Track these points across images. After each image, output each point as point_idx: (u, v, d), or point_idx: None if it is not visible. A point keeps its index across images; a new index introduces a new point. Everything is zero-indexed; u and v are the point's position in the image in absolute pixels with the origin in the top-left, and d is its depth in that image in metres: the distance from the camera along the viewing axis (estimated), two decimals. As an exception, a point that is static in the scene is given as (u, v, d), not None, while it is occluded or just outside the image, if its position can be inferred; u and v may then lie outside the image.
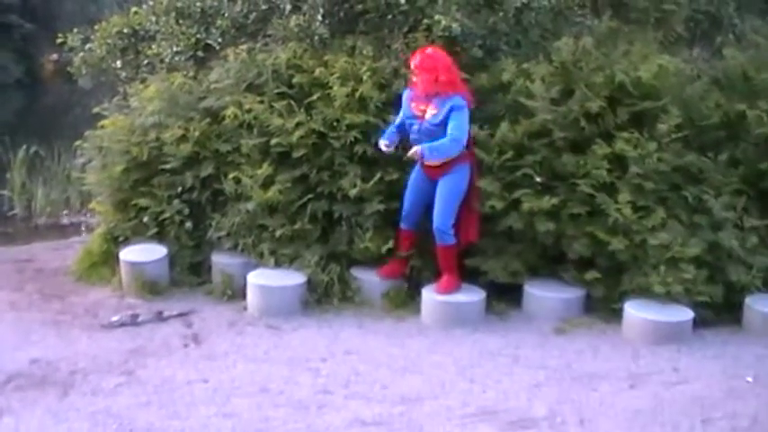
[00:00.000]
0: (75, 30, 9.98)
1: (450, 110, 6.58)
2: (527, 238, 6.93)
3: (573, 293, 6.96)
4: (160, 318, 6.86)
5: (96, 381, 5.67)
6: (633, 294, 6.71)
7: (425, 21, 7.41)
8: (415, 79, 6.81)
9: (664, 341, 6.37)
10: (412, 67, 6.78)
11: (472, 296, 6.85)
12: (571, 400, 5.42)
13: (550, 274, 7.10)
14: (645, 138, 6.82)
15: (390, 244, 7.03)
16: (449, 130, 6.57)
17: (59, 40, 10.13)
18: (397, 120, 6.99)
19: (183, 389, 5.54)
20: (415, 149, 6.66)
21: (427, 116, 6.70)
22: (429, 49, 6.81)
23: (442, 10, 7.36)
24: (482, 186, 6.87)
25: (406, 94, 6.92)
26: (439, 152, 6.60)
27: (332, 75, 7.32)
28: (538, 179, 6.90)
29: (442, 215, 6.71)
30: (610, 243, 6.67)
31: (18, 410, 5.23)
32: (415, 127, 6.78)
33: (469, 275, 7.02)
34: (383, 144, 6.82)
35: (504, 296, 7.01)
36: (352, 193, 7.04)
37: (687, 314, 6.52)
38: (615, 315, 6.73)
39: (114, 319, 6.80)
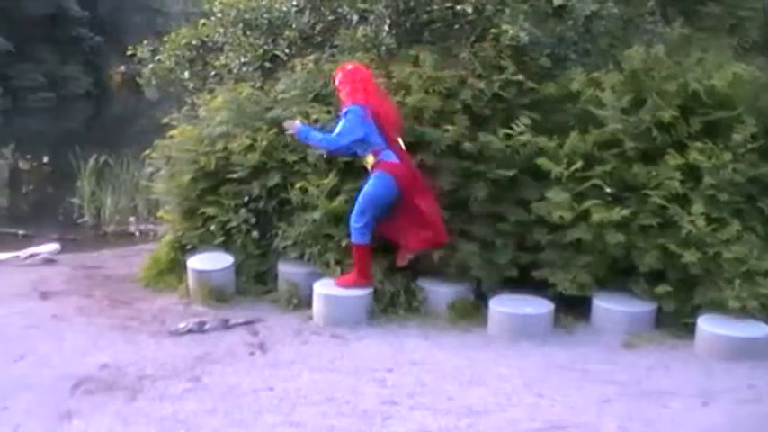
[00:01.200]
0: (145, 42, 10.14)
1: (344, 114, 6.76)
2: (596, 249, 6.82)
3: (643, 307, 6.81)
4: (226, 326, 6.88)
5: (164, 386, 5.70)
6: (706, 309, 6.55)
7: (493, 30, 7.40)
8: (340, 95, 6.91)
9: (738, 357, 6.18)
10: (336, 84, 6.92)
11: (540, 308, 6.75)
12: (641, 417, 5.29)
13: (620, 286, 6.97)
14: (719, 148, 6.70)
15: (453, 251, 7.02)
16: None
17: (129, 52, 10.32)
18: (333, 136, 7.03)
19: (249, 396, 5.54)
20: (289, 123, 7.10)
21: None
22: (349, 66, 6.94)
23: (510, 19, 7.34)
24: (550, 197, 6.79)
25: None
26: (308, 137, 6.99)
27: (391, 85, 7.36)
28: (608, 190, 6.81)
29: (353, 214, 6.84)
30: (682, 256, 6.54)
31: (87, 414, 5.27)
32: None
33: (537, 287, 6.94)
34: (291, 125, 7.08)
35: (572, 309, 6.90)
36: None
37: (763, 330, 6.34)
38: (687, 330, 6.57)
39: (181, 325, 6.84)
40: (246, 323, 6.93)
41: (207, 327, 6.84)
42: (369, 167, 6.91)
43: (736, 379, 5.88)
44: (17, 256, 9.42)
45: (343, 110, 6.81)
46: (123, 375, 5.90)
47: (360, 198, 6.85)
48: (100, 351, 6.38)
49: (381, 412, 5.31)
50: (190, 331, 6.77)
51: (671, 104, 6.84)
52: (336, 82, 6.97)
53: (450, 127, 7.08)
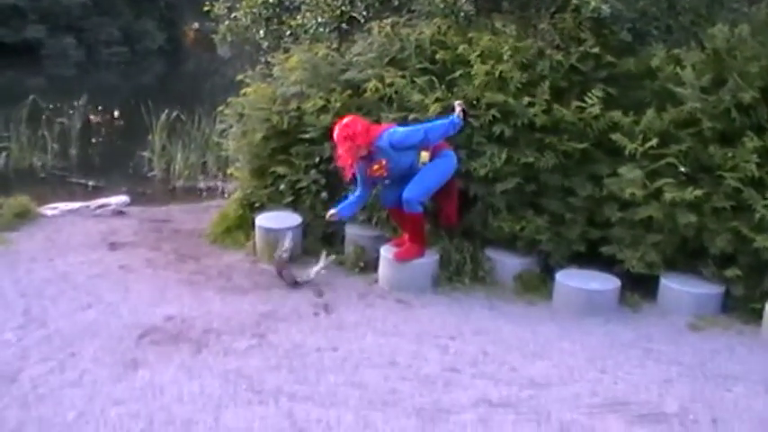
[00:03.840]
0: (221, -1, 10.20)
1: (391, 144, 6.66)
2: (666, 229, 6.74)
3: (711, 290, 6.72)
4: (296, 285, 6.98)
5: (228, 341, 5.79)
6: (775, 295, 6.45)
7: (574, 1, 7.27)
8: (339, 151, 6.78)
9: (805, 346, 6.10)
10: (336, 138, 6.75)
11: (606, 285, 6.71)
12: (704, 399, 5.25)
13: (688, 268, 6.88)
14: (799, 133, 6.54)
15: (523, 224, 7.00)
16: (422, 139, 6.64)
17: (206, 9, 10.37)
18: (357, 192, 7.06)
19: (313, 355, 5.61)
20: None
21: (386, 170, 6.80)
22: (345, 119, 6.79)
23: (592, -9, 7.20)
24: (623, 173, 6.72)
25: (358, 171, 6.88)
26: (354, 207, 7.07)
27: (474, 53, 7.24)
28: (682, 169, 6.70)
29: (418, 190, 6.72)
30: (754, 240, 6.42)
31: (153, 364, 5.39)
32: (387, 182, 7.00)
33: (605, 263, 6.90)
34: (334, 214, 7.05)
35: (639, 287, 6.85)
36: (482, 172, 6.99)
37: (832, 319, 6.23)
38: (754, 315, 6.48)
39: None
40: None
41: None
42: (428, 159, 6.76)
43: (803, 367, 5.79)
44: (87, 207, 9.57)
45: (383, 145, 6.68)
46: (189, 328, 6.01)
47: (428, 176, 6.74)
48: (166, 303, 6.51)
49: (443, 378, 5.35)
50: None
51: (752, 86, 6.68)
52: (335, 138, 6.78)
53: (532, 99, 7.01)
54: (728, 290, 6.71)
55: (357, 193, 7.04)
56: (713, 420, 4.99)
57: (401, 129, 6.76)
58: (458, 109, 6.59)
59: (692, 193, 6.52)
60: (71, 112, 14.50)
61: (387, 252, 7.03)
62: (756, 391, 5.42)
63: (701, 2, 7.61)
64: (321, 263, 7.08)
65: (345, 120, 6.79)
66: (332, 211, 7.02)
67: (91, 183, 12.12)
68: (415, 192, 6.70)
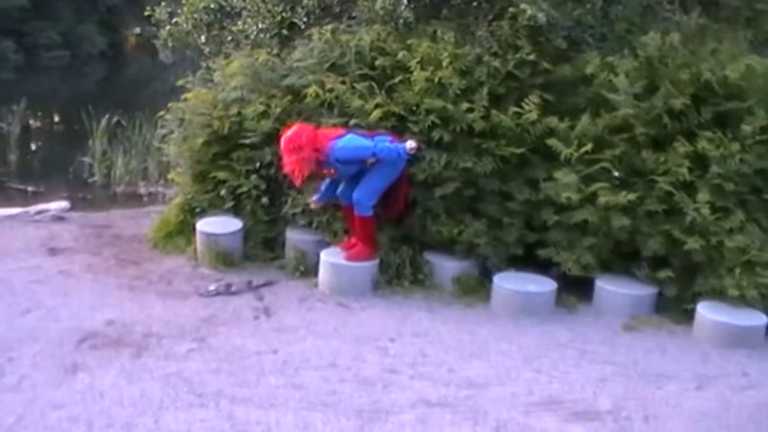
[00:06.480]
0: (163, 3, 10.17)
1: (337, 159, 6.79)
2: (601, 232, 6.87)
3: (644, 291, 6.88)
4: (250, 287, 7.04)
5: (169, 345, 5.81)
6: (706, 296, 6.61)
7: (511, 9, 7.39)
8: (285, 161, 6.84)
9: (734, 345, 6.25)
10: (282, 150, 6.82)
11: (543, 287, 6.83)
12: (636, 397, 5.38)
13: (623, 270, 7.03)
14: (728, 138, 6.72)
15: (461, 228, 7.07)
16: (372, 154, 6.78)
17: (147, 14, 10.33)
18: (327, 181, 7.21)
19: (253, 358, 5.64)
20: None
21: (336, 175, 7.03)
22: (290, 131, 6.82)
23: (529, -1, 7.33)
24: (558, 177, 6.84)
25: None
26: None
27: (414, 59, 7.33)
28: (616, 174, 6.85)
29: (365, 192, 6.87)
30: (685, 242, 6.58)
31: (93, 368, 5.39)
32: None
33: (542, 266, 7.01)
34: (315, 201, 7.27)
35: (575, 289, 6.97)
36: (421, 177, 7.05)
37: (761, 319, 6.39)
38: (686, 316, 6.64)
39: (211, 288, 6.97)
40: (266, 285, 7.09)
41: (234, 289, 6.98)
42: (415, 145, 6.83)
43: (731, 366, 5.96)
44: (26, 212, 9.46)
45: (331, 158, 6.79)
46: (129, 333, 6.01)
47: (378, 175, 6.85)
48: (107, 308, 6.48)
49: (382, 380, 5.42)
50: (218, 293, 6.89)
51: (683, 93, 6.86)
52: (282, 150, 6.83)
53: (470, 105, 7.08)
54: (661, 291, 6.87)
55: (327, 181, 7.16)
56: (645, 417, 5.12)
57: (350, 143, 6.80)
58: (412, 144, 6.71)
59: (625, 196, 6.67)
60: (10, 116, 14.31)
61: (327, 256, 7.08)
62: (687, 388, 5.58)
63: (634, 11, 7.77)
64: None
65: (290, 131, 6.80)
66: (314, 198, 7.19)
67: (30, 188, 12.00)
68: (364, 192, 6.83)
